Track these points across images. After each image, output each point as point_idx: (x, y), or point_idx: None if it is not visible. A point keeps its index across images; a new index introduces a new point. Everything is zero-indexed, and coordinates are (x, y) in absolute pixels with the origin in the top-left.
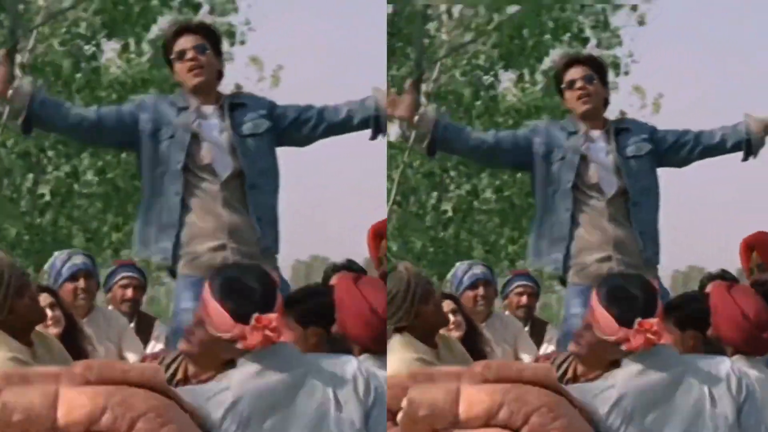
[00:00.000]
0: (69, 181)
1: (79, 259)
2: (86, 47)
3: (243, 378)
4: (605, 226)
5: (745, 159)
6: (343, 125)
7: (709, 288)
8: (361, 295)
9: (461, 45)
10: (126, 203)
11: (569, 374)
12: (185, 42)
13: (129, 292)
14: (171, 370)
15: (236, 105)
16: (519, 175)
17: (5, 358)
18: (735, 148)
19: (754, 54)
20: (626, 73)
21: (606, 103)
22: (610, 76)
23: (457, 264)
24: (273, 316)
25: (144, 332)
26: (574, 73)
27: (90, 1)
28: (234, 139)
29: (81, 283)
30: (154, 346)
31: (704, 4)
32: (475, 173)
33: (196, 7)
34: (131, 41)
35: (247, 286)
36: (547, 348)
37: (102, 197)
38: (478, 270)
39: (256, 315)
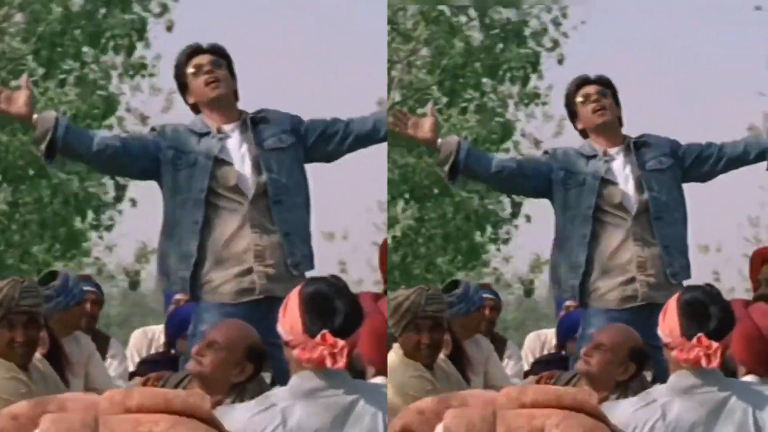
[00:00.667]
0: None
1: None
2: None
3: (291, 396)
4: (629, 247)
5: None
6: (370, 136)
7: None
8: (381, 315)
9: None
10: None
11: None
12: (200, 59)
13: (87, 307)
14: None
15: (259, 120)
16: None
17: (6, 377)
18: (759, 158)
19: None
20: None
21: (620, 121)
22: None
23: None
24: (341, 342)
25: (99, 351)
26: (587, 89)
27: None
28: (257, 153)
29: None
30: (110, 364)
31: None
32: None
33: None
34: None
35: (333, 307)
36: (507, 364)
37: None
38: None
39: (324, 331)
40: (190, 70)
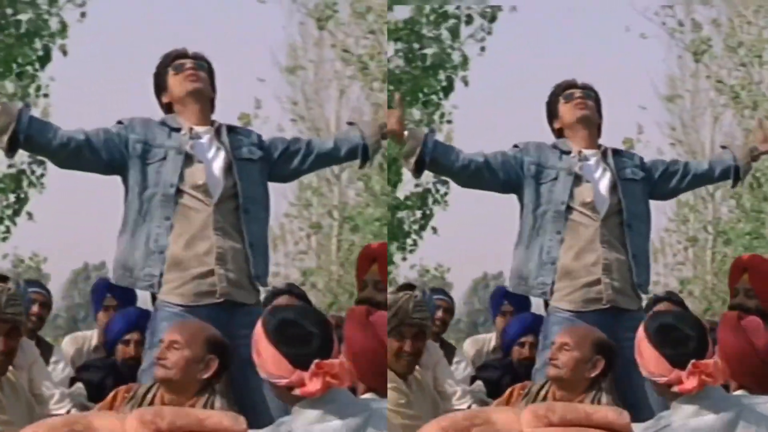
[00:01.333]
0: None
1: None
2: None
3: (305, 424)
4: (596, 248)
5: (734, 186)
6: (330, 155)
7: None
8: (373, 332)
9: None
10: None
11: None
12: (183, 60)
13: (35, 308)
14: (147, 401)
15: (231, 129)
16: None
17: None
18: (723, 177)
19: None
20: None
21: (599, 130)
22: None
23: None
24: (335, 362)
25: (43, 357)
26: (572, 90)
27: None
28: (231, 159)
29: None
30: (53, 370)
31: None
32: None
33: None
34: None
35: (306, 331)
36: (456, 369)
37: None
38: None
39: (316, 361)
40: (171, 69)
